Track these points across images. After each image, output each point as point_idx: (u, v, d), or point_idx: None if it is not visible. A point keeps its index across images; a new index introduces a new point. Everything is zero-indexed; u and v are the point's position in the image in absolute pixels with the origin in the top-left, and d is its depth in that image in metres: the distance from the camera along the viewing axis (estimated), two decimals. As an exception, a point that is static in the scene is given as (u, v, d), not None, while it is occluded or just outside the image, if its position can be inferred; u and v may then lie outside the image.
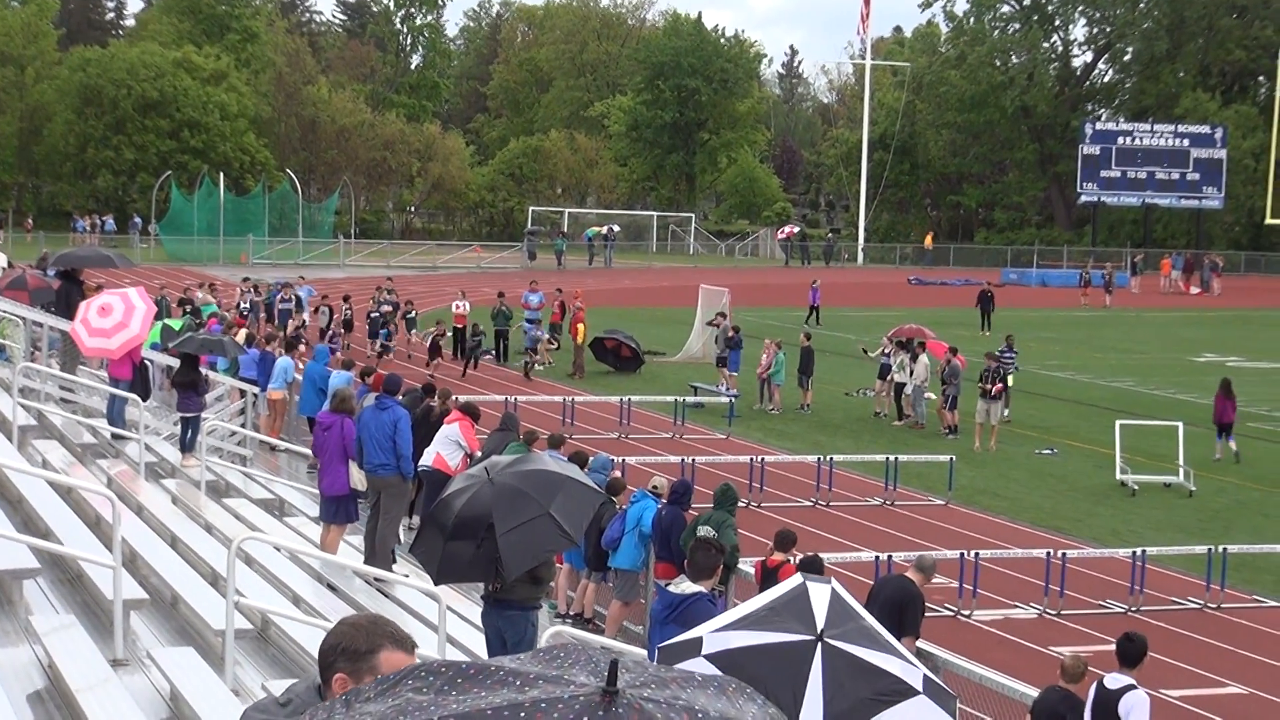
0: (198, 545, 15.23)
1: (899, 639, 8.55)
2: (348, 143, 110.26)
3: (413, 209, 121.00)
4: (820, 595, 7.21)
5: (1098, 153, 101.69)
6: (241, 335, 32.21)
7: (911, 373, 35.81)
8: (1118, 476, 29.64)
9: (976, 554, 21.00)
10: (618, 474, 21.04)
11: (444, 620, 11.77)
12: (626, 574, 17.92)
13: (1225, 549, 22.07)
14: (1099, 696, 12.11)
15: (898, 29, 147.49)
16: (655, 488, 18.53)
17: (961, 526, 25.70)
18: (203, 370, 24.46)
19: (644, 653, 11.62)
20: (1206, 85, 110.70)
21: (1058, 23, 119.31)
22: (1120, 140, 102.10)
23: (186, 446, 22.29)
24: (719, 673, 4.35)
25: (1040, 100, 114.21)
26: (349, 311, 45.85)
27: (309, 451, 21.40)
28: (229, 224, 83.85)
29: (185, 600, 12.76)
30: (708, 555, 11.95)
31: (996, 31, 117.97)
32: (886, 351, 37.46)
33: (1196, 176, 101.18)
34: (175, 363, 24.37)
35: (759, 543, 20.49)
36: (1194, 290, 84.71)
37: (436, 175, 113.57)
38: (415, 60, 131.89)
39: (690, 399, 36.57)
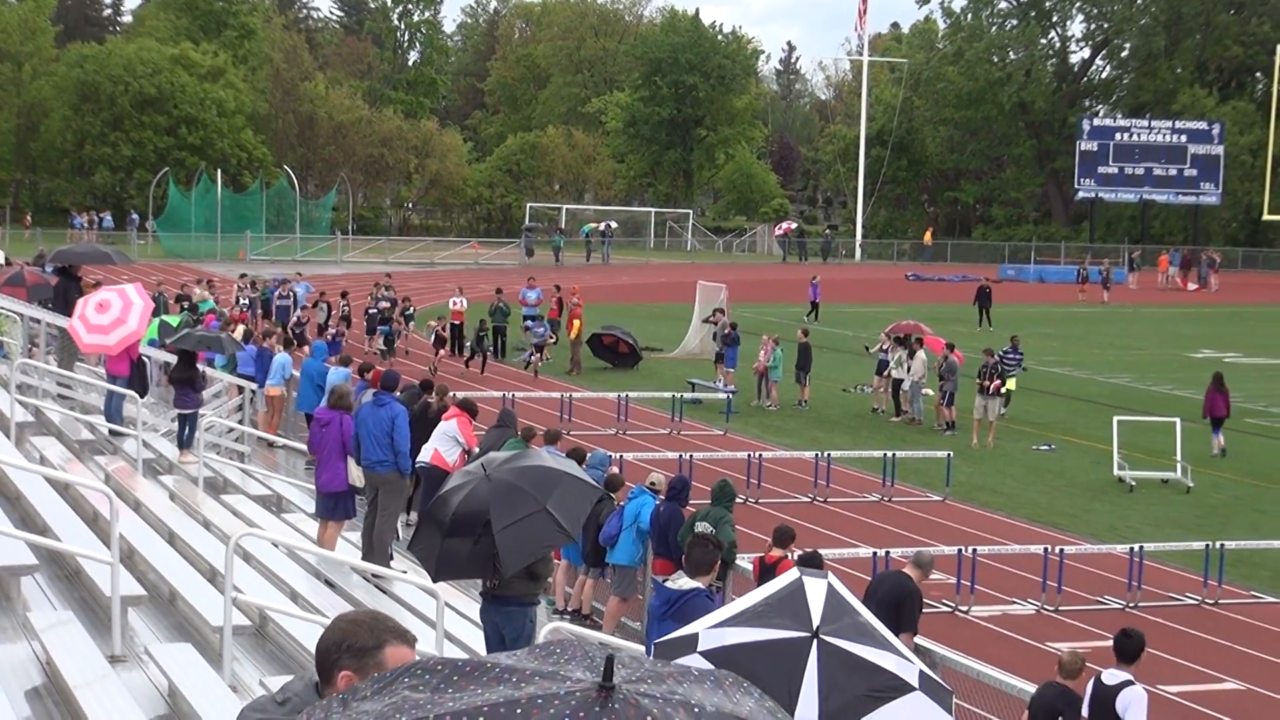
0: (196, 542, 15.23)
1: (897, 635, 8.56)
2: (345, 139, 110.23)
3: (410, 205, 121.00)
4: (816, 591, 7.21)
5: (1095, 149, 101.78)
6: (239, 331, 32.20)
7: (909, 369, 35.82)
8: (1115, 472, 29.65)
9: (974, 550, 21.00)
10: (615, 470, 21.03)
11: (442, 616, 11.78)
12: (624, 570, 17.91)
13: (1223, 545, 22.07)
14: (1097, 692, 12.11)
15: (895, 25, 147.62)
16: (653, 484, 18.51)
17: (959, 522, 25.70)
18: (200, 367, 24.46)
19: (641, 648, 11.63)
20: (1204, 81, 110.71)
21: (1055, 19, 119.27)
22: (1118, 136, 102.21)
23: (184, 443, 22.29)
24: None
25: (1038, 96, 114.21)
26: (346, 308, 45.85)
27: (306, 448, 21.39)
28: (226, 220, 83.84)
29: (183, 596, 12.76)
30: (705, 551, 11.96)
31: (994, 28, 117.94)
32: (884, 347, 37.47)
33: (1194, 173, 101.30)
34: (173, 359, 24.36)
35: (757, 539, 20.50)
36: (1191, 286, 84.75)
37: (434, 172, 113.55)
38: (413, 57, 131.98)
39: (688, 395, 36.57)
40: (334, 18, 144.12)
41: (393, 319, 44.51)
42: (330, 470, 17.36)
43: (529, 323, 43.45)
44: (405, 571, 15.71)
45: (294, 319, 42.77)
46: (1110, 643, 12.67)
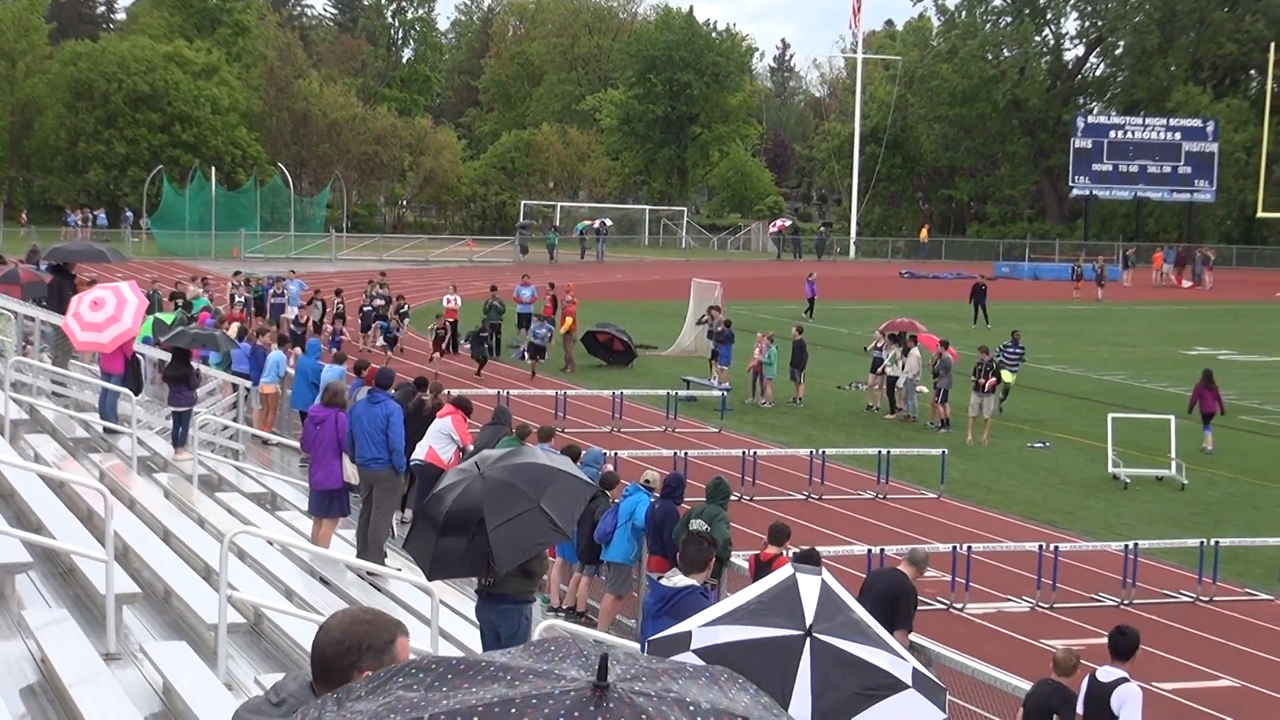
0: (190, 539, 15.21)
1: (892, 632, 8.56)
2: (339, 137, 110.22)
3: (404, 203, 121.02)
4: (810, 588, 7.20)
5: (1089, 146, 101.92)
6: (234, 329, 32.18)
7: (904, 366, 35.82)
8: (1110, 470, 29.65)
9: (969, 547, 21.01)
10: (610, 468, 21.03)
11: (436, 614, 11.78)
12: (619, 567, 17.91)
13: (1217, 542, 22.08)
14: (1091, 690, 12.12)
15: (889, 23, 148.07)
16: (648, 481, 18.52)
17: (953, 520, 25.70)
18: (194, 364, 24.44)
19: (636, 646, 11.63)
20: (1198, 79, 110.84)
21: (1049, 16, 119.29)
22: (1112, 134, 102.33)
23: (179, 440, 22.27)
24: (710, 665, 4.33)
25: (1032, 94, 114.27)
26: (341, 305, 45.82)
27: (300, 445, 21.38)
28: (221, 218, 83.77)
29: (178, 594, 12.75)
30: (699, 549, 11.96)
31: (988, 25, 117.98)
32: (879, 345, 37.47)
33: (1188, 170, 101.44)
34: (167, 357, 24.33)
35: (752, 536, 20.51)
36: (1186, 284, 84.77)
37: (428, 169, 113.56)
38: (407, 54, 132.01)
39: (682, 393, 36.57)
40: (328, 15, 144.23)
41: (388, 316, 44.45)
42: (325, 468, 17.34)
43: (533, 324, 43.02)
44: (400, 569, 15.70)
45: (294, 317, 42.77)
46: (1105, 640, 12.68)
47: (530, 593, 12.38)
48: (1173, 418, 30.69)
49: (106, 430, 22.33)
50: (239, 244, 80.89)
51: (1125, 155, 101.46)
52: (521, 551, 11.09)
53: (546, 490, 11.00)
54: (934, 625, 18.10)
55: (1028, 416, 36.58)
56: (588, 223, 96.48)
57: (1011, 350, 36.62)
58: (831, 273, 79.18)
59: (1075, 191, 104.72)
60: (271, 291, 46.42)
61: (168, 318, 32.52)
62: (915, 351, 35.87)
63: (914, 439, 33.05)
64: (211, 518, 17.04)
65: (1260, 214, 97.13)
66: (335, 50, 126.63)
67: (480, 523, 10.78)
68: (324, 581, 15.52)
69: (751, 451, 28.32)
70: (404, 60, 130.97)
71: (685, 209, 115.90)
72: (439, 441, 20.64)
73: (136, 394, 22.50)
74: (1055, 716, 12.31)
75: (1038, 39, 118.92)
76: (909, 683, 6.99)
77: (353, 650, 4.58)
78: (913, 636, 14.22)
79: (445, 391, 23.51)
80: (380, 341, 43.74)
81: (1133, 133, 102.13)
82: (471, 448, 19.64)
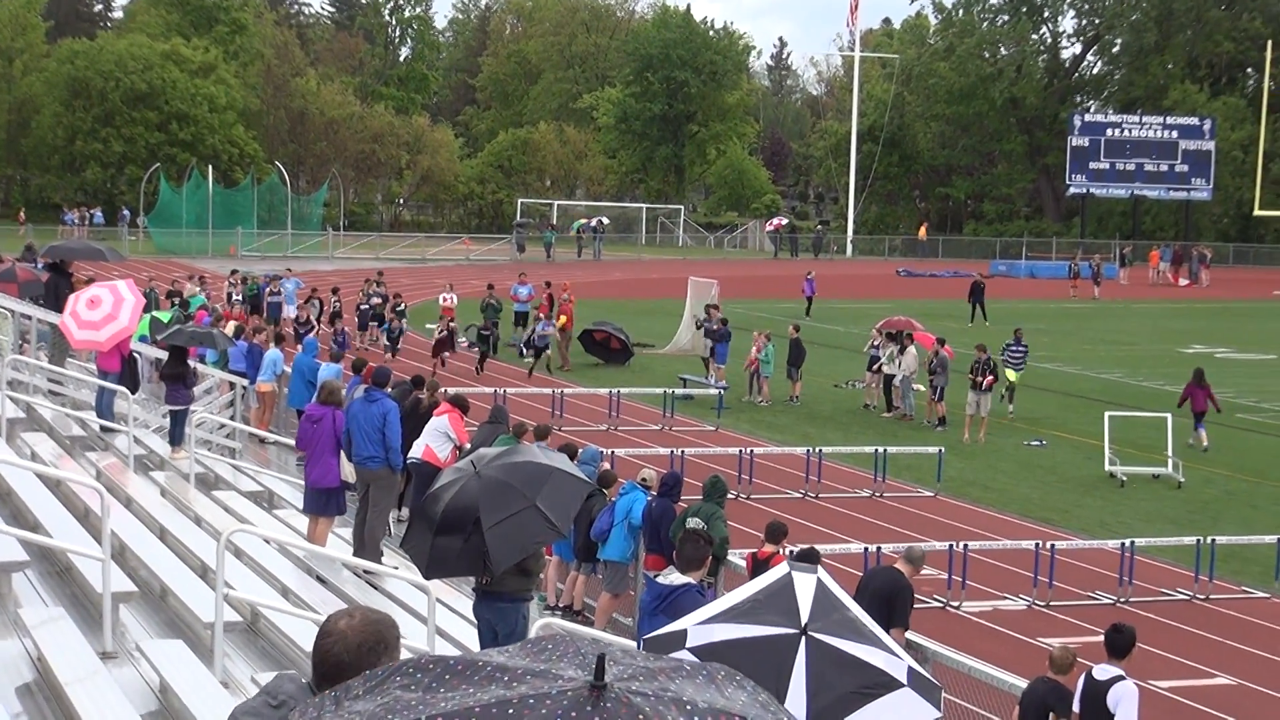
0: (187, 538, 15.21)
1: (888, 630, 8.57)
2: (336, 135, 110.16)
3: (401, 201, 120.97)
4: (805, 586, 7.20)
5: (1086, 144, 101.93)
6: (230, 327, 32.15)
7: (900, 364, 35.82)
8: (1106, 468, 29.67)
9: (965, 545, 21.02)
10: (607, 466, 21.02)
11: (433, 613, 11.78)
12: (616, 566, 17.90)
13: (1214, 540, 22.08)
14: (1088, 687, 12.13)
15: (887, 21, 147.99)
16: (644, 480, 18.52)
17: (950, 518, 25.71)
18: (191, 363, 24.42)
19: (633, 644, 11.63)
20: (1195, 77, 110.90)
21: (1046, 14, 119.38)
22: (1109, 132, 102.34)
23: (175, 439, 22.26)
24: (707, 663, 4.33)
25: (1029, 92, 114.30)
26: (338, 304, 45.77)
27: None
28: (218, 216, 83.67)
29: (174, 593, 12.75)
30: (696, 547, 11.96)
31: (985, 23, 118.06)
32: (875, 343, 37.48)
33: (1185, 168, 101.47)
34: (164, 355, 24.32)
35: (749, 534, 20.51)
36: (1182, 282, 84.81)
37: (425, 167, 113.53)
38: (404, 52, 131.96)
39: (679, 391, 36.58)
40: (325, 13, 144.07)
41: (385, 314, 44.39)
42: (322, 466, 17.34)
43: (540, 324, 42.64)
44: (397, 567, 15.70)
45: (295, 317, 42.75)
46: (1101, 638, 12.68)
47: (527, 591, 12.38)
48: (1169, 416, 30.73)
49: (103, 429, 22.32)
50: (236, 242, 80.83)
51: (1122, 153, 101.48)
52: (518, 550, 11.10)
53: (542, 489, 11.00)
54: (930, 623, 18.12)
55: (1024, 415, 36.58)
56: (585, 221, 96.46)
57: (1015, 349, 36.50)
58: (828, 271, 79.15)
59: (1072, 190, 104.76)
60: (268, 290, 46.37)
61: (164, 316, 32.49)
62: (912, 350, 35.86)
63: (911, 437, 33.06)
64: (208, 516, 17.03)
65: (1257, 212, 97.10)
66: (332, 48, 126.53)
67: (476, 522, 10.79)
68: (321, 580, 15.51)
69: (748, 450, 28.33)
70: (401, 58, 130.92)
71: (682, 207, 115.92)
72: (436, 440, 20.63)
73: (133, 393, 22.50)
74: (1051, 714, 12.33)
75: (1035, 37, 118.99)
76: (904, 681, 7.00)
77: (376, 651, 4.61)
78: (909, 634, 14.24)
79: (442, 390, 23.50)
80: (384, 342, 43.60)
81: (1130, 131, 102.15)
82: (468, 446, 19.64)
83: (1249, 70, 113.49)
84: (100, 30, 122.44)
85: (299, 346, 30.49)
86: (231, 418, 26.84)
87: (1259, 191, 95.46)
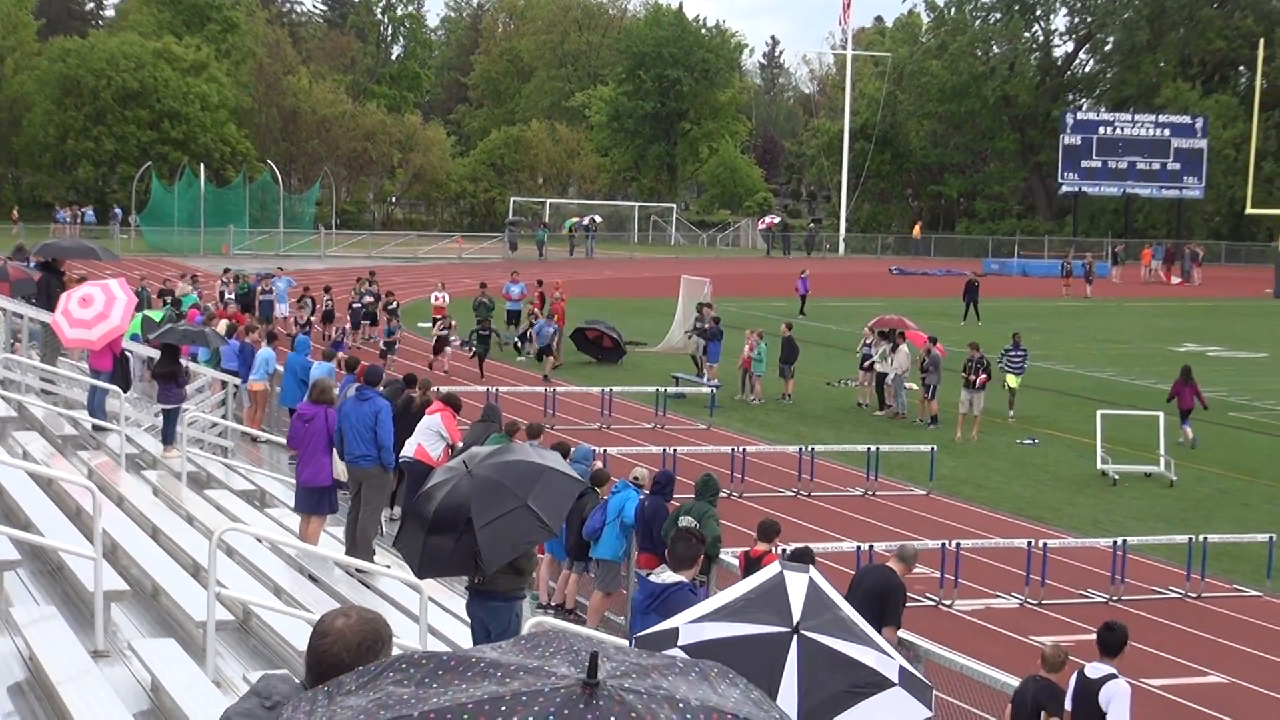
0: (179, 537, 15.20)
1: (880, 629, 8.58)
2: (328, 133, 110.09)
3: (394, 200, 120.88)
4: (797, 585, 7.21)
5: (1079, 143, 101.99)
6: (223, 326, 32.13)
7: (892, 362, 35.82)
8: (1099, 466, 29.70)
9: (958, 544, 21.02)
10: (599, 464, 21.01)
11: (425, 611, 11.77)
12: (608, 564, 17.90)
13: (1206, 538, 22.11)
14: (1080, 686, 12.13)
15: (879, 19, 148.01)
16: (637, 478, 18.52)
17: (943, 516, 25.72)
18: (183, 361, 24.40)
19: (625, 642, 11.62)
20: (1187, 75, 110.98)
21: (1039, 12, 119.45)
22: (1101, 130, 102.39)
23: (167, 438, 22.24)
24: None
25: (1021, 90, 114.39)
26: (330, 303, 45.76)
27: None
28: (210, 215, 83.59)
29: (166, 592, 12.74)
30: (688, 545, 11.96)
31: (977, 21, 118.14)
32: (868, 342, 37.48)
33: (1177, 166, 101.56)
34: (156, 354, 24.30)
35: (741, 533, 20.51)
36: (1175, 280, 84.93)
37: (417, 166, 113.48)
38: (396, 51, 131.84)
39: (672, 390, 36.58)
40: (317, 12, 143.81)
41: (377, 314, 44.36)
42: (313, 465, 17.32)
43: (539, 324, 42.35)
44: (389, 566, 15.70)
45: (293, 317, 42.73)
46: (1093, 636, 12.68)
47: (520, 590, 12.39)
48: (1161, 414, 30.78)
49: (95, 427, 22.31)
50: (228, 241, 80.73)
51: (1114, 152, 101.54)
52: (509, 549, 11.10)
53: (534, 488, 11.00)
54: (923, 622, 18.12)
55: (1017, 413, 36.59)
56: (577, 219, 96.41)
57: (1015, 354, 36.04)
58: (821, 269, 79.02)
59: (1064, 188, 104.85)
60: (259, 289, 46.34)
61: (156, 315, 32.50)
62: (904, 348, 35.89)
63: (903, 436, 33.09)
64: (200, 515, 17.02)
65: (1249, 210, 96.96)
66: (324, 47, 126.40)
67: (468, 521, 10.79)
68: (313, 579, 15.50)
69: (741, 448, 28.33)
70: (393, 57, 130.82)
71: (674, 205, 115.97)
72: (428, 438, 20.62)
73: (125, 391, 22.47)
74: (1043, 713, 12.32)
75: (1027, 35, 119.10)
76: (895, 680, 7.00)
77: (372, 650, 4.60)
78: (901, 633, 14.24)
79: (434, 388, 23.49)
80: (381, 345, 43.44)
81: (1122, 129, 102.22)
82: (460, 445, 19.64)
83: (1241, 68, 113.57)
84: (92, 29, 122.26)
85: (291, 345, 30.48)
86: (224, 416, 26.81)
87: (1251, 190, 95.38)
